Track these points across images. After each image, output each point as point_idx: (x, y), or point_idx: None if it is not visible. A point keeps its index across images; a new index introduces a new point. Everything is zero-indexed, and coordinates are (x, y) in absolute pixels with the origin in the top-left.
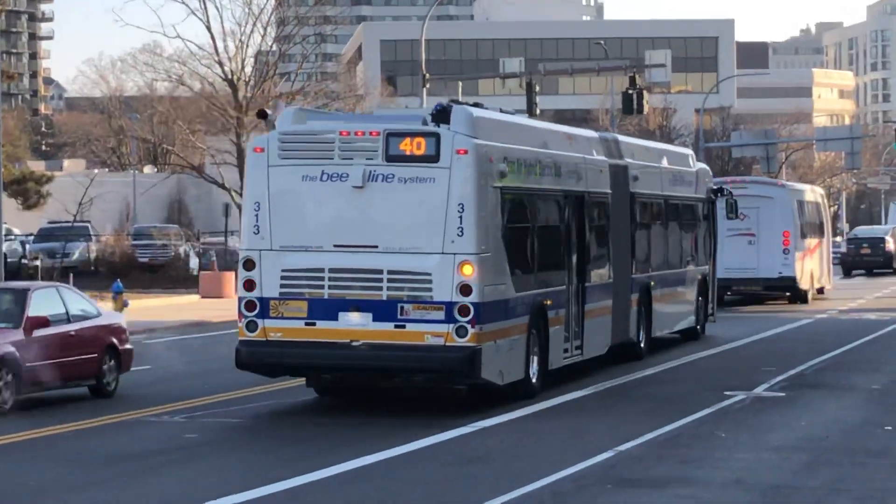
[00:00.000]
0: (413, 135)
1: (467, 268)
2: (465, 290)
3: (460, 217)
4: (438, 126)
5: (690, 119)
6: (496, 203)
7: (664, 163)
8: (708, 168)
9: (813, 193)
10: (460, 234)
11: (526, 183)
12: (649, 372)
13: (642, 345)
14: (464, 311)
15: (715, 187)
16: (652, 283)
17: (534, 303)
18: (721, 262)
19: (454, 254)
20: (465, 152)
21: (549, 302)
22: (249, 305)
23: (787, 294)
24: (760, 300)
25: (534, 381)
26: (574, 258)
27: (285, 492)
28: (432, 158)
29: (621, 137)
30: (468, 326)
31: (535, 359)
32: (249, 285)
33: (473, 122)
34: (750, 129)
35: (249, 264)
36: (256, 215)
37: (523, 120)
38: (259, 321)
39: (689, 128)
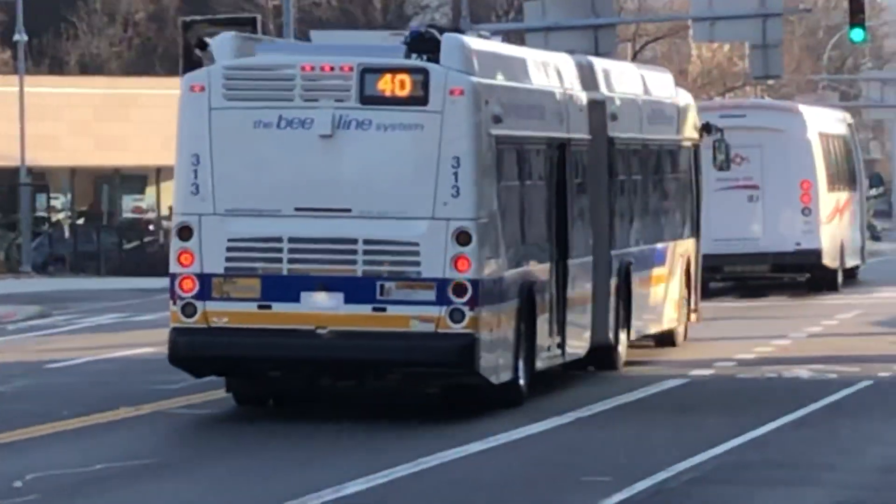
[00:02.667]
0: (395, 70)
1: (464, 236)
2: (462, 263)
3: (455, 174)
4: (423, 59)
5: None
6: (492, 156)
7: (642, 92)
8: (691, 98)
9: (839, 122)
10: (455, 194)
11: (518, 129)
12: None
13: (620, 348)
14: (460, 290)
15: (700, 124)
16: (633, 264)
17: (523, 284)
18: (708, 230)
19: (448, 219)
20: (461, 93)
21: (536, 284)
22: (186, 284)
23: (807, 276)
24: (757, 289)
25: (521, 382)
26: (556, 227)
27: None
28: (420, 100)
29: (595, 60)
30: (465, 309)
31: (523, 355)
32: (186, 258)
33: (468, 55)
34: None
35: (185, 232)
36: (195, 171)
37: (508, 47)
38: (198, 304)
39: None
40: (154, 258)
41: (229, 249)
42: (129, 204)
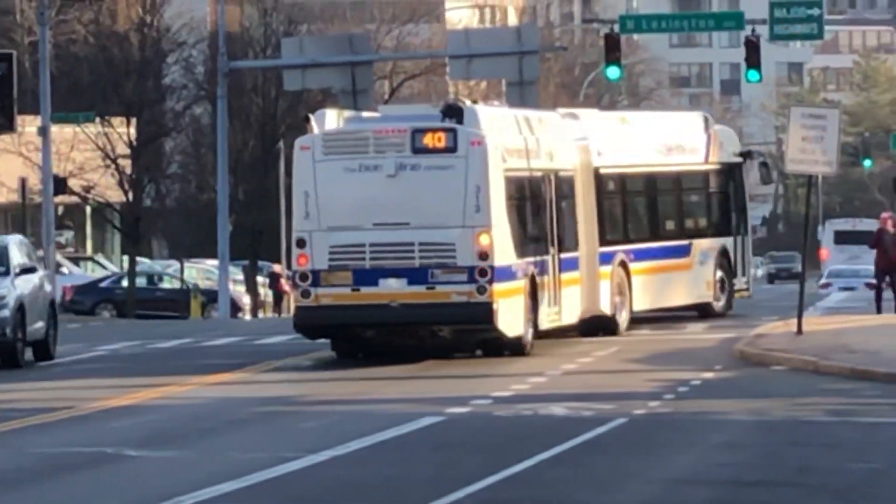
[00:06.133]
0: (435, 130)
1: (484, 237)
2: (483, 255)
3: (477, 196)
4: (452, 121)
5: (202, 10)
6: (501, 183)
7: (649, 131)
8: (730, 130)
9: None
10: (477, 210)
11: (519, 165)
12: None
13: (619, 318)
14: (483, 273)
15: (742, 150)
16: (629, 257)
17: (527, 269)
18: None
19: (473, 226)
20: (479, 143)
21: (538, 269)
22: (303, 277)
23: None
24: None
25: (528, 338)
26: (550, 231)
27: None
28: (451, 149)
29: (583, 112)
30: (487, 285)
31: (530, 318)
32: (302, 260)
33: (482, 118)
34: (321, 35)
35: (302, 242)
36: (306, 202)
37: (511, 110)
38: (312, 290)
39: (198, 31)
40: None
41: (331, 253)
42: None
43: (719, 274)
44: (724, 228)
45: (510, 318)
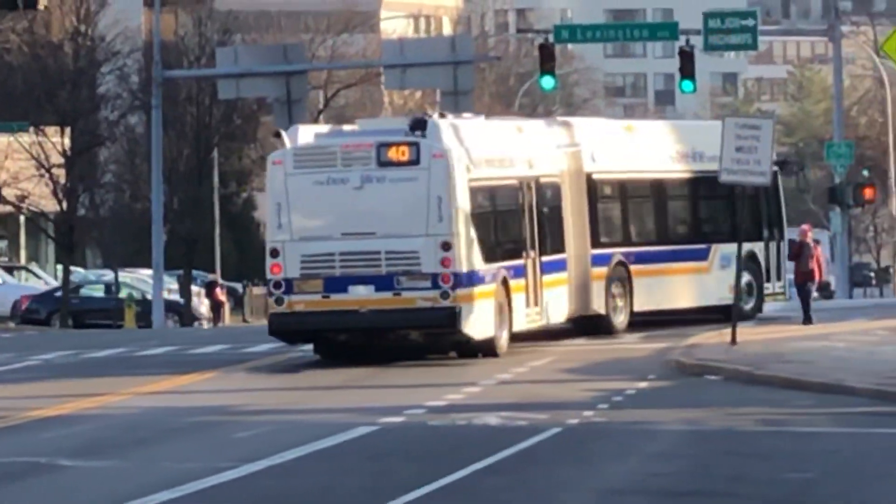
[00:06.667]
0: (398, 144)
1: (447, 245)
2: (446, 262)
3: (439, 206)
4: (417, 135)
5: (136, 20)
6: (465, 193)
7: (658, 139)
8: None
9: None
10: (440, 219)
11: (489, 174)
12: None
13: (614, 318)
14: (446, 279)
15: (777, 160)
16: (629, 258)
17: (497, 273)
18: None
19: (436, 235)
20: (440, 156)
21: (511, 272)
22: (276, 285)
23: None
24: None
25: (500, 342)
26: (530, 234)
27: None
28: (414, 162)
29: (576, 120)
30: (450, 291)
31: (501, 320)
32: (276, 268)
33: (444, 130)
34: (256, 44)
35: (275, 252)
36: (279, 214)
37: (483, 122)
38: (285, 297)
39: (133, 40)
40: None
41: (302, 261)
42: None
43: (746, 278)
44: (753, 234)
45: (477, 322)
